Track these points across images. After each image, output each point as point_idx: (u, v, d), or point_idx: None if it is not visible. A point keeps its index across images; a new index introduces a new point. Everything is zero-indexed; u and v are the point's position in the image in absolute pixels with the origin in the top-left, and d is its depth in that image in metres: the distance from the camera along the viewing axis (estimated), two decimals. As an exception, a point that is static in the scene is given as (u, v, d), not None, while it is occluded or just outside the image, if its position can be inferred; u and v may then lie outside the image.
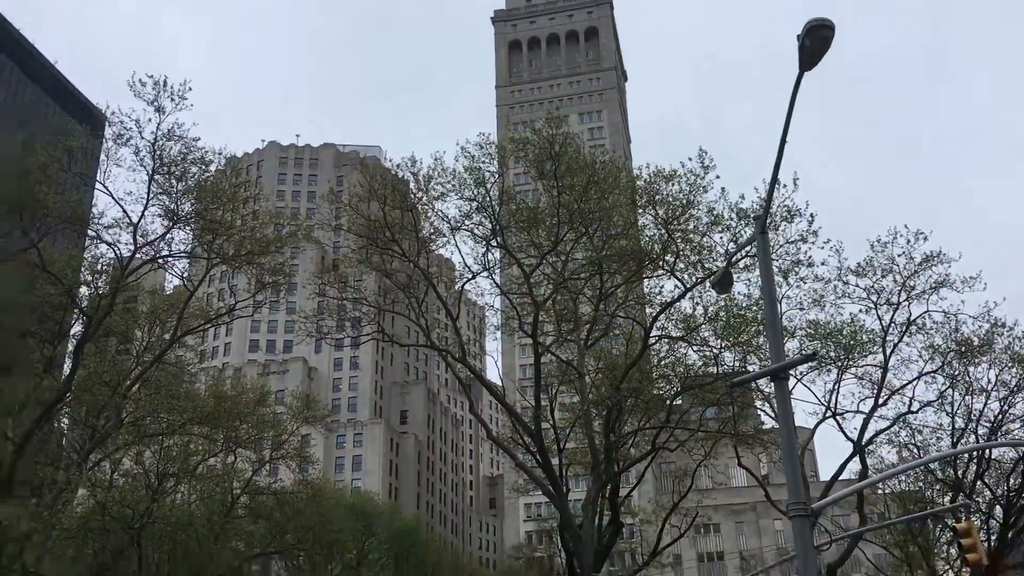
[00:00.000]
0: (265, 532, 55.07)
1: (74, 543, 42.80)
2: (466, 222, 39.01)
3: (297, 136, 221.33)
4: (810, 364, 39.53)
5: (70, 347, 39.15)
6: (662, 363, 41.35)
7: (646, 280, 41.35)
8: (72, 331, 39.42)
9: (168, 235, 35.07)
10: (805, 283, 38.29)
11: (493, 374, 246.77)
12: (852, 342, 40.32)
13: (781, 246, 36.24)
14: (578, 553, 37.70)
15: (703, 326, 38.59)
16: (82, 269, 37.23)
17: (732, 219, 35.91)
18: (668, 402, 40.99)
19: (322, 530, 54.90)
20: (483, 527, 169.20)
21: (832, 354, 40.35)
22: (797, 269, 37.20)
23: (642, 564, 51.59)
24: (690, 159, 36.06)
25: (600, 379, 42.12)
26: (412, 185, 39.26)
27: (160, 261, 36.67)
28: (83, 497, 45.14)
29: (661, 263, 38.12)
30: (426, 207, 39.23)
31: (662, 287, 40.51)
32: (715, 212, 36.22)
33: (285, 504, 52.79)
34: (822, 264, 38.91)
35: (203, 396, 48.09)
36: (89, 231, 36.00)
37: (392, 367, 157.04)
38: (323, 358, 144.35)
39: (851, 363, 41.05)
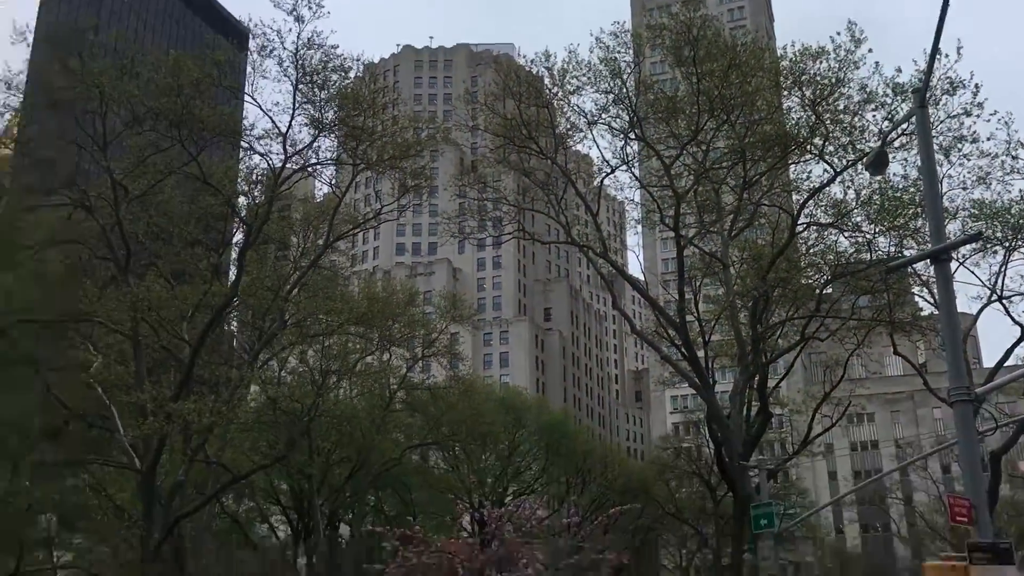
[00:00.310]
0: (422, 424, 57.95)
1: (250, 435, 46.38)
2: (603, 116, 38.34)
3: (431, 38, 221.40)
4: (973, 246, 37.29)
5: (233, 255, 41.51)
6: (811, 251, 40.12)
7: (792, 166, 39.84)
8: (234, 239, 41.76)
9: (315, 143, 36.22)
10: (968, 160, 35.80)
11: (635, 269, 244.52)
12: (1021, 220, 37.71)
13: (942, 121, 33.95)
14: (726, 443, 37.87)
15: (855, 211, 36.99)
16: (239, 180, 39.13)
17: (887, 95, 33.87)
18: (818, 291, 39.89)
19: (475, 423, 57.17)
20: (630, 419, 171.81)
21: (999, 234, 37.92)
22: (960, 145, 34.82)
23: (792, 453, 51.37)
24: (839, 33, 33.96)
25: (745, 270, 41.30)
26: (547, 81, 38.81)
27: (309, 169, 38.06)
28: (255, 393, 48.64)
29: (809, 147, 36.57)
30: (562, 102, 38.78)
31: (810, 172, 38.99)
32: (868, 89, 34.23)
33: (439, 399, 55.20)
34: (988, 139, 36.08)
35: (357, 298, 50.39)
36: (242, 143, 37.65)
37: (534, 265, 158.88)
38: (467, 259, 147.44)
39: (1020, 243, 38.49)
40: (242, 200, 39.67)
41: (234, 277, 37.86)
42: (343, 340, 48.69)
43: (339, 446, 50.87)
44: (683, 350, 39.19)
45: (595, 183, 45.15)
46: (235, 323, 53.30)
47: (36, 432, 35.35)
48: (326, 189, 45.99)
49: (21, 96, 35.23)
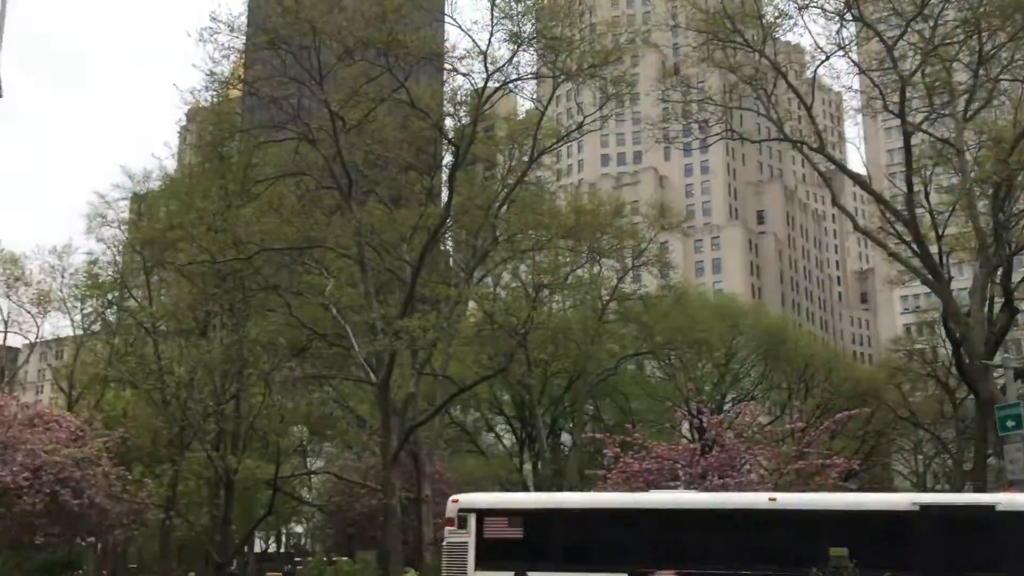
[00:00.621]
0: (636, 334, 58.18)
1: (471, 349, 48.45)
2: (815, -2, 35.89)
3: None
4: None
5: (444, 176, 42.83)
6: (1063, 126, 36.08)
7: (1039, 32, 35.62)
8: (444, 161, 42.99)
9: (514, 59, 36.25)
10: None
11: (855, 163, 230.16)
12: None
13: None
14: (966, 342, 35.51)
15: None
16: (444, 102, 40.02)
17: None
18: (1072, 171, 35.88)
19: (689, 331, 56.72)
20: (854, 322, 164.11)
21: None
22: None
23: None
24: None
25: (983, 154, 37.95)
26: (752, -34, 36.62)
27: (511, 86, 38.23)
28: (473, 309, 50.59)
29: (1058, 9, 32.53)
30: (769, -13, 36.58)
31: (1059, 37, 34.73)
32: None
33: (651, 308, 55.06)
34: None
35: (564, 212, 50.80)
36: (445, 64, 38.31)
37: (744, 167, 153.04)
38: (673, 165, 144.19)
39: None
40: (448, 122, 40.64)
41: (446, 198, 39.12)
42: (553, 254, 49.42)
43: (556, 358, 52.13)
44: (913, 246, 36.86)
45: (808, 73, 42.62)
46: (450, 242, 55.33)
47: (283, 350, 38.67)
48: (528, 105, 46.19)
49: (243, 38, 37.56)
